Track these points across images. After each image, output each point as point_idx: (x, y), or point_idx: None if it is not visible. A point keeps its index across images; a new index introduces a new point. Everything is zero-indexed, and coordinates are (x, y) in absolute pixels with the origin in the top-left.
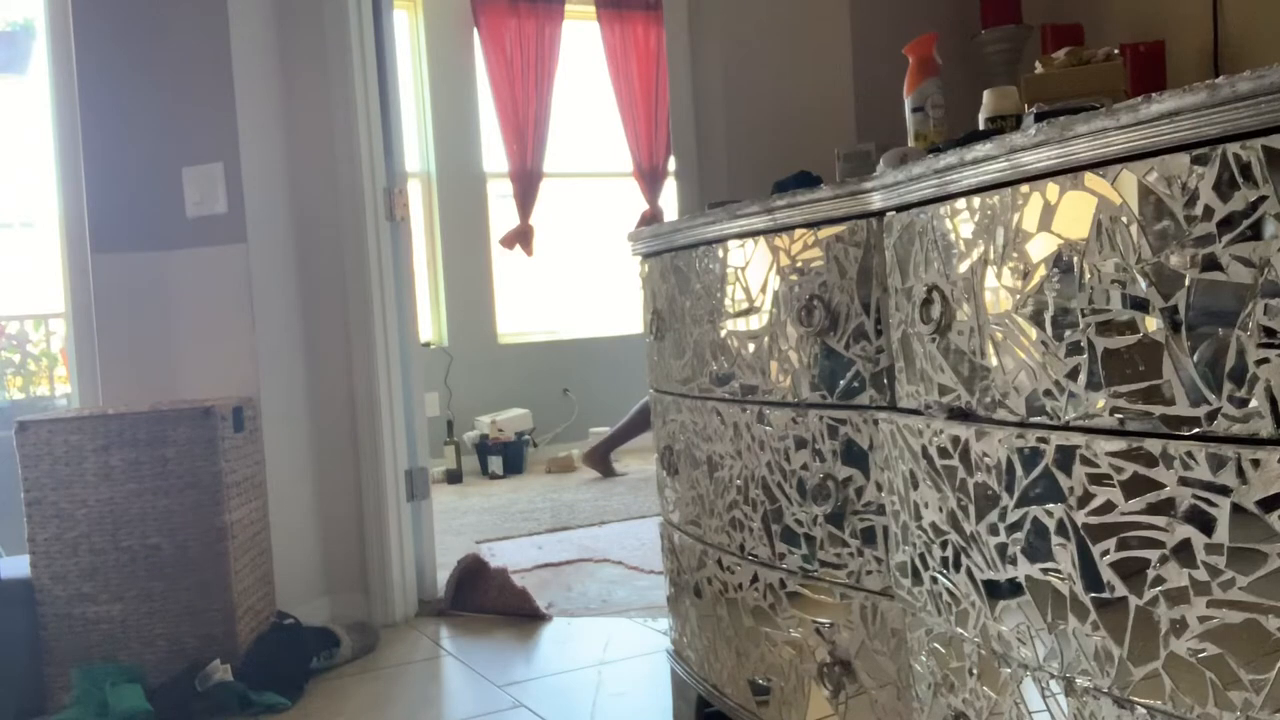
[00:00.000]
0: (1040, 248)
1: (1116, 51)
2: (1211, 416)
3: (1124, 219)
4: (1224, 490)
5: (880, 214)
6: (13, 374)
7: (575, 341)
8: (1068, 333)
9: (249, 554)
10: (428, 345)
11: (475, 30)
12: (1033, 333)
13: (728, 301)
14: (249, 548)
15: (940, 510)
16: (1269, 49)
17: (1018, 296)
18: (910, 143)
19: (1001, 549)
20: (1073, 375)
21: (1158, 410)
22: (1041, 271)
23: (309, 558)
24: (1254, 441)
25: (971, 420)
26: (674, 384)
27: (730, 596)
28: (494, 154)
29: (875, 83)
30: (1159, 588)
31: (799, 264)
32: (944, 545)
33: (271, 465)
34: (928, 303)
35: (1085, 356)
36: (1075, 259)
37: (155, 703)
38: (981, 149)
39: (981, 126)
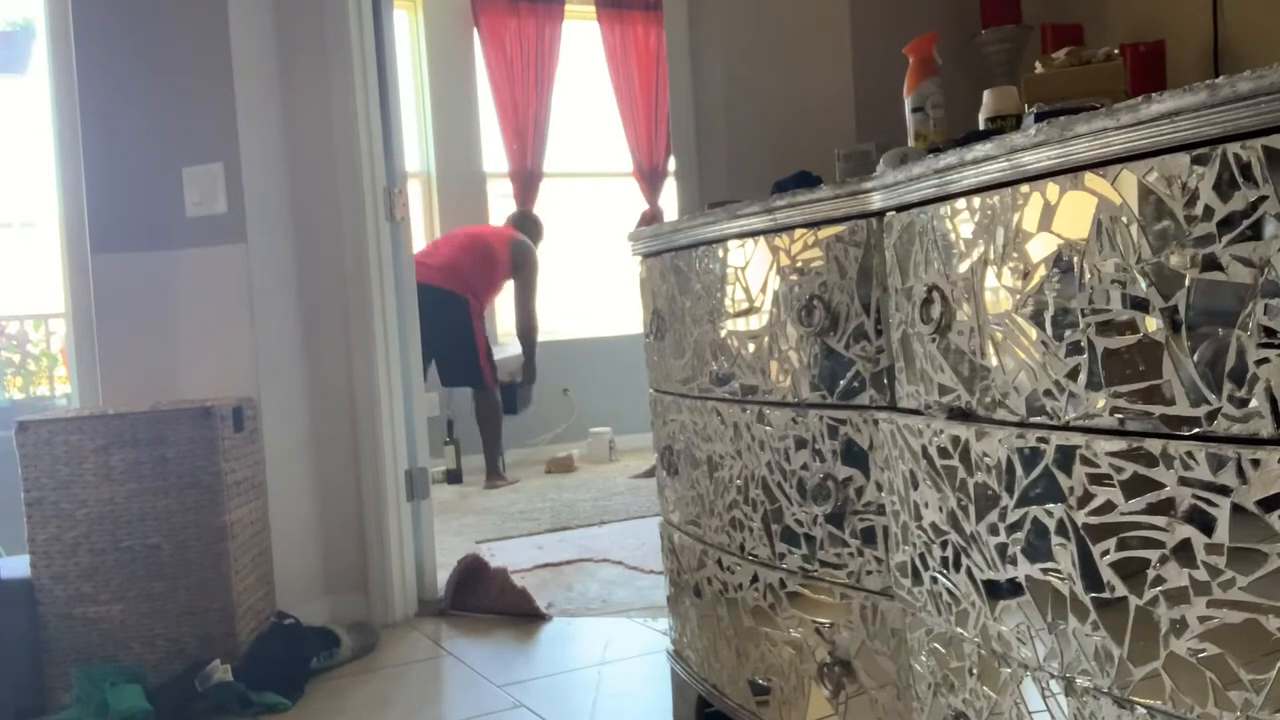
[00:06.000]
0: (1040, 248)
1: (1116, 51)
2: (1211, 416)
3: (1124, 219)
4: (1224, 490)
5: (880, 214)
6: (13, 374)
7: (575, 341)
8: (1068, 333)
9: (249, 554)
10: None
11: (475, 30)
12: (1033, 333)
13: (728, 301)
14: (249, 548)
15: (940, 510)
16: (1269, 49)
17: (1018, 296)
18: (910, 143)
19: (1001, 549)
20: (1073, 375)
21: (1158, 410)
22: (1041, 271)
23: (309, 558)
24: (1254, 441)
25: (971, 420)
26: (674, 384)
27: (730, 596)
28: (494, 154)
29: (875, 83)
30: (1159, 588)
31: (799, 264)
32: (944, 545)
33: (271, 465)
34: (928, 303)
35: (1085, 356)
36: (1075, 259)
37: (155, 703)
38: (981, 149)
39: (981, 126)
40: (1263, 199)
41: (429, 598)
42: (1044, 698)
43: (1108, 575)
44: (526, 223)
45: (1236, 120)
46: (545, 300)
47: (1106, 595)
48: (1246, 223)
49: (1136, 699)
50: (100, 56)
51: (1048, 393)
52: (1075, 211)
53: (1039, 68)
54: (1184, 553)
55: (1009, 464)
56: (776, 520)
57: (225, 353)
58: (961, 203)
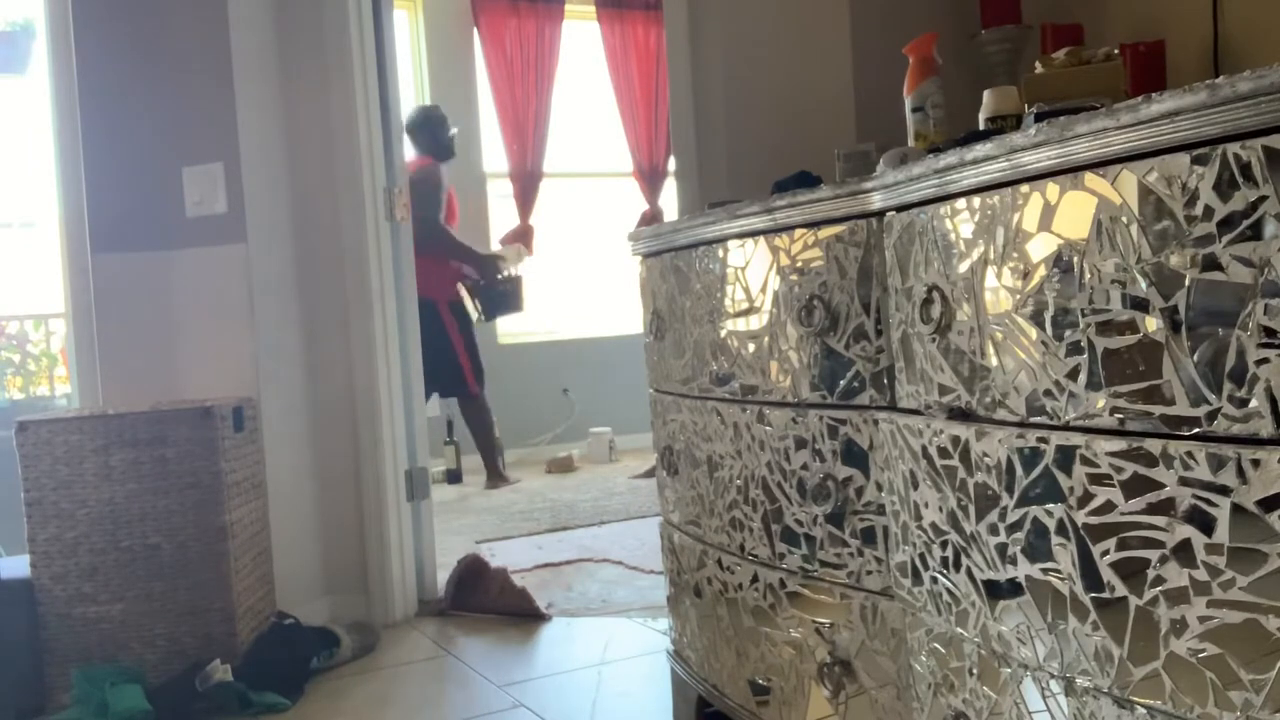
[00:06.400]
0: (1040, 248)
1: (1116, 51)
2: (1211, 416)
3: (1124, 219)
4: (1224, 490)
5: (880, 214)
6: (13, 374)
7: (575, 341)
8: (1068, 333)
9: (249, 554)
10: None
11: (475, 30)
12: (1033, 333)
13: (728, 301)
14: (249, 548)
15: (940, 510)
16: (1269, 49)
17: (1018, 296)
18: (910, 143)
19: (1001, 549)
20: (1073, 375)
21: (1158, 410)
22: (1041, 271)
23: (309, 558)
24: (1254, 441)
25: (971, 420)
26: (674, 384)
27: (730, 596)
28: (494, 154)
29: (875, 83)
30: (1159, 588)
31: (799, 264)
32: (944, 545)
33: (271, 465)
34: (928, 303)
35: (1085, 356)
36: (1075, 259)
37: (155, 703)
38: (981, 149)
39: (981, 126)
40: (1263, 199)
41: (429, 598)
42: (1044, 698)
43: (1108, 575)
44: (422, 131)
45: (1236, 120)
46: (545, 300)
47: (1106, 595)
48: (1246, 223)
49: (1136, 699)
50: (100, 56)
51: (1048, 393)
52: (1075, 211)
53: (1039, 68)
54: (1184, 553)
55: (1009, 464)
56: (776, 520)
57: (225, 353)
58: (961, 203)
